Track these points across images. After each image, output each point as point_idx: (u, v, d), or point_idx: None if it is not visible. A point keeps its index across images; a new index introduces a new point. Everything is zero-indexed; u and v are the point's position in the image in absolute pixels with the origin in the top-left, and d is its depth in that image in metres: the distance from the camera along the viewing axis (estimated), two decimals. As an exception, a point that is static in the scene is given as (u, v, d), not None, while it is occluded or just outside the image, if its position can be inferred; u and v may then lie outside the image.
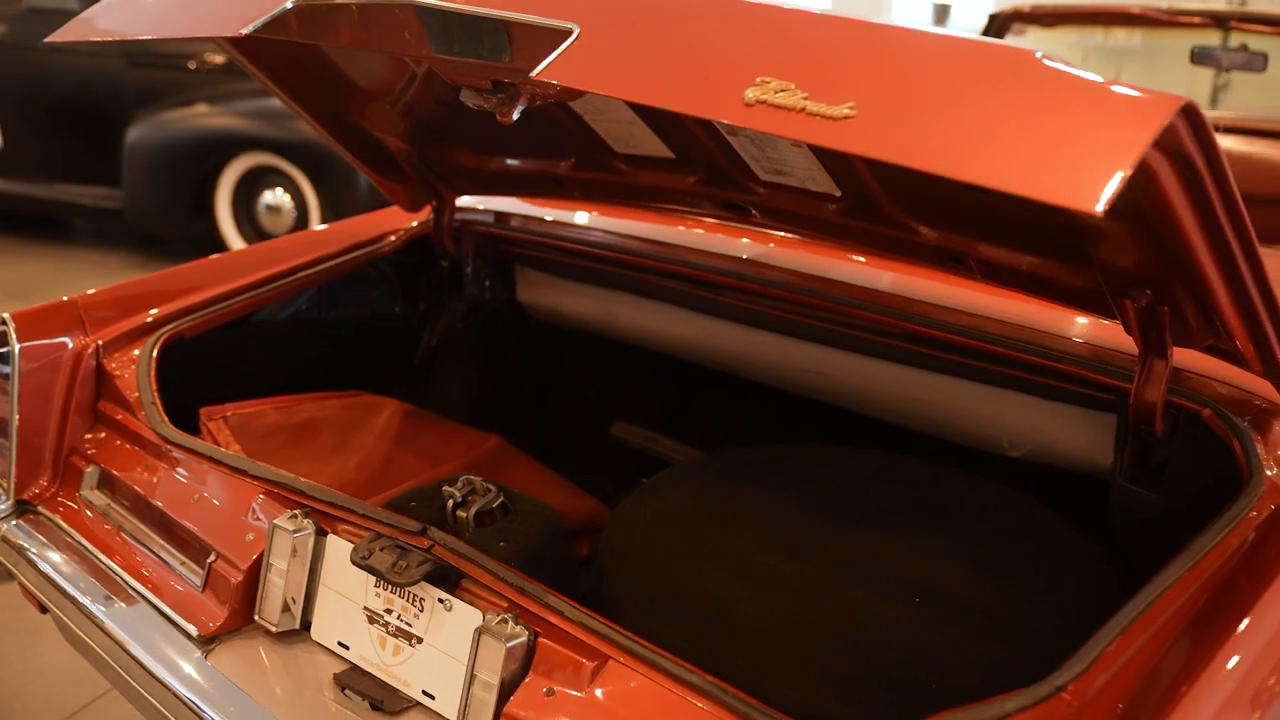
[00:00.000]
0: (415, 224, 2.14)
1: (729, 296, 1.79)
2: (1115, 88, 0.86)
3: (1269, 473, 1.24)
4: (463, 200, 2.16)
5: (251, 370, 2.02)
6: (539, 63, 1.04)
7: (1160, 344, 1.28)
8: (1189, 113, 0.85)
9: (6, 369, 1.75)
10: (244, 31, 1.29)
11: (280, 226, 5.37)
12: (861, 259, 1.71)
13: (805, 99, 0.92)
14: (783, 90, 0.93)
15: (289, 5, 1.31)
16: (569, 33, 1.06)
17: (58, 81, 5.57)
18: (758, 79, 0.94)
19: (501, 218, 2.10)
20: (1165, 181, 0.94)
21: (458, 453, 1.91)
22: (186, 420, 1.81)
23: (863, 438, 1.86)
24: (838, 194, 1.49)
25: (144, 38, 1.42)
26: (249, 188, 5.36)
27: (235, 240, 5.44)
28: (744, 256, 1.78)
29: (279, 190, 5.31)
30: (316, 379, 2.06)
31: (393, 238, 2.13)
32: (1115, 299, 1.28)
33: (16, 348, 1.74)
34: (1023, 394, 1.57)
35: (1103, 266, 1.24)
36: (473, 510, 1.41)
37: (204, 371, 1.93)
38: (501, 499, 1.43)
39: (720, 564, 1.35)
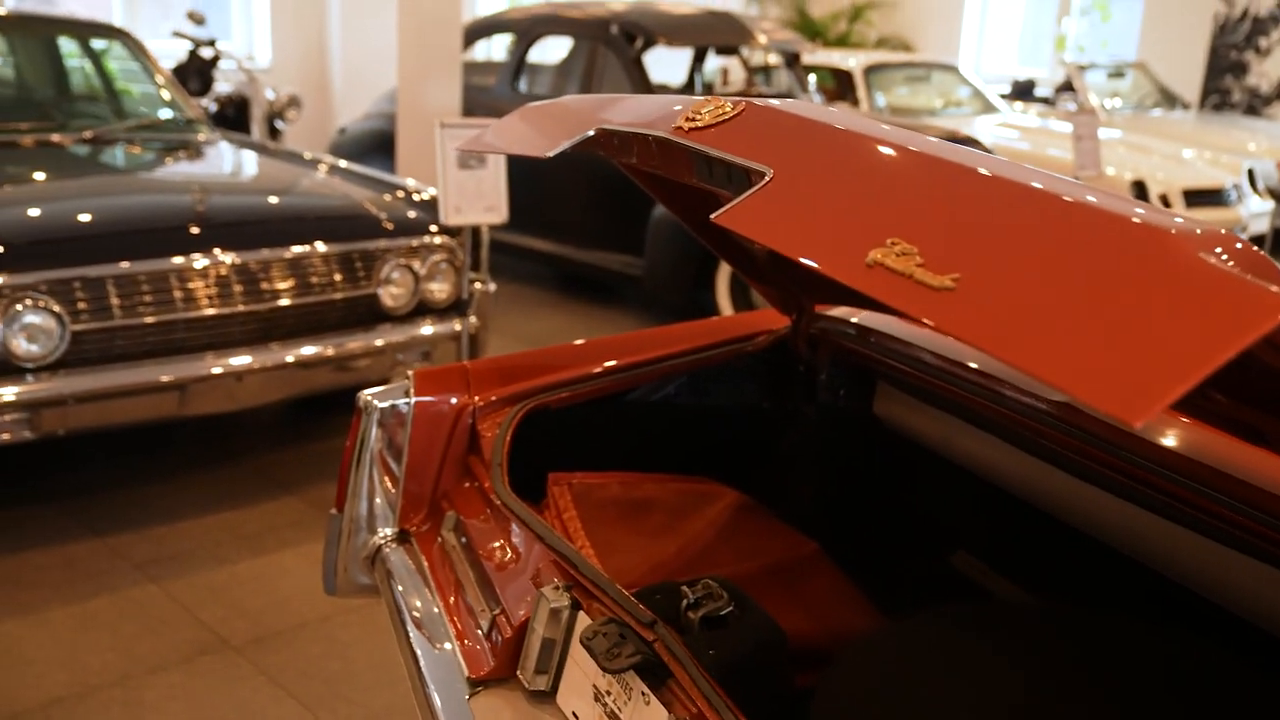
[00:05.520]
0: (782, 326, 2.23)
1: (1049, 441, 1.69)
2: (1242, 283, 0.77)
3: None
4: (838, 311, 2.21)
5: (614, 445, 2.20)
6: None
7: None
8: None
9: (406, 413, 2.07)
10: (549, 154, 1.47)
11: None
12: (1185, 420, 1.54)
13: (918, 265, 0.90)
14: (904, 253, 0.92)
15: (590, 133, 1.48)
16: (763, 176, 1.12)
17: (601, 163, 6.28)
18: (889, 239, 0.94)
19: (863, 332, 2.12)
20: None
21: (769, 552, 1.95)
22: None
23: (1206, 620, 1.66)
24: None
25: (504, 152, 1.65)
26: (746, 267, 5.71)
27: (729, 314, 5.81)
28: (1063, 400, 1.67)
29: (772, 271, 5.61)
30: (677, 460, 2.21)
31: (761, 338, 2.23)
32: None
33: (413, 401, 2.05)
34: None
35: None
36: (700, 613, 1.47)
37: (571, 440, 2.14)
38: (731, 607, 1.47)
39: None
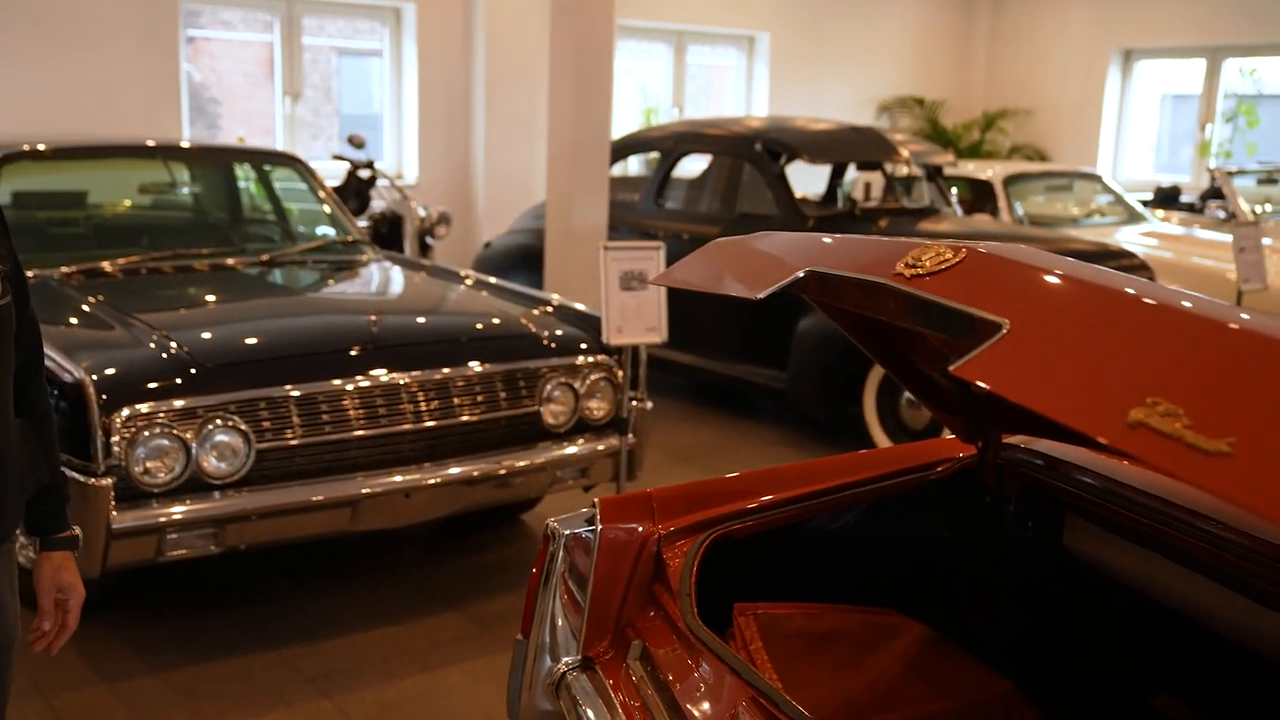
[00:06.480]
0: (966, 455, 2.20)
1: (1266, 583, 1.63)
2: None
3: None
4: (1025, 439, 2.18)
5: (794, 573, 2.19)
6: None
7: None
8: None
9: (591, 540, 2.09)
10: (760, 295, 1.50)
11: (919, 421, 5.58)
12: None
13: (1187, 427, 0.89)
14: (1169, 414, 0.91)
15: (800, 275, 1.51)
16: (998, 328, 1.12)
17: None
18: (1149, 399, 0.94)
19: (1051, 463, 2.09)
20: None
21: (962, 691, 1.91)
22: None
23: None
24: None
25: (701, 289, 1.70)
26: (894, 382, 5.66)
27: (875, 429, 5.75)
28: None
29: (921, 387, 5.55)
30: (857, 589, 2.18)
31: (944, 466, 2.21)
32: None
33: (599, 528, 2.08)
34: None
35: None
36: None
37: (751, 568, 2.14)
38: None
39: None
